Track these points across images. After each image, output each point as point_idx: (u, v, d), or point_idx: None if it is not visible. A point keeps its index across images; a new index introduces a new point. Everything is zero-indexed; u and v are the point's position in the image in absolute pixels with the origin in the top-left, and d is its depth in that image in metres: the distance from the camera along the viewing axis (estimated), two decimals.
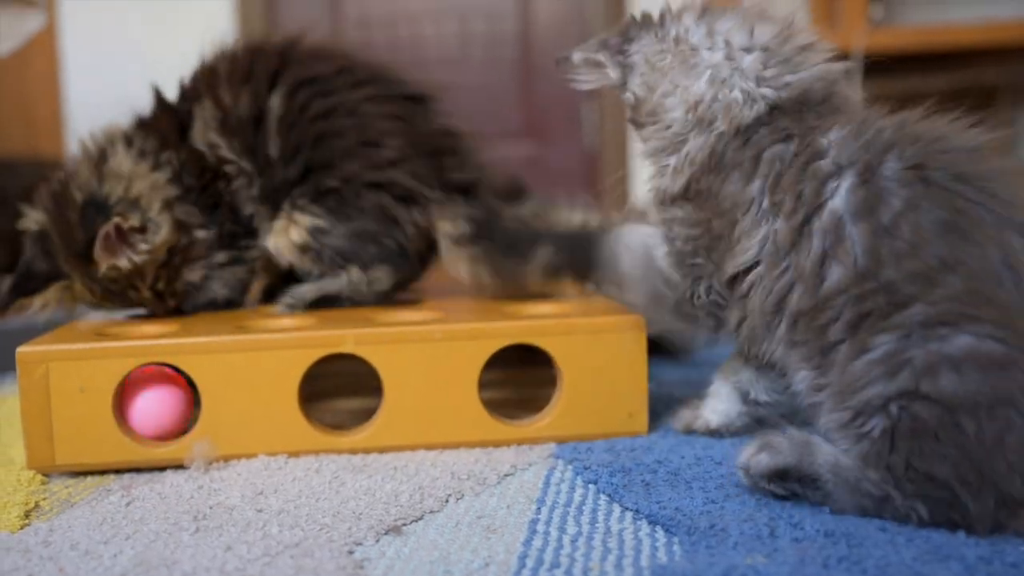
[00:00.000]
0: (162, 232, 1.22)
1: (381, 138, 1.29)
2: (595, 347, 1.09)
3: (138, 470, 1.06)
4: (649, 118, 1.02)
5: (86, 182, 1.24)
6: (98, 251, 1.19)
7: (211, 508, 0.92)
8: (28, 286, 1.24)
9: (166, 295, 1.26)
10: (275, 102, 1.29)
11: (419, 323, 1.12)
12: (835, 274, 0.85)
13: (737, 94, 0.96)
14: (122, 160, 1.26)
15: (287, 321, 1.19)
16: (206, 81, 1.32)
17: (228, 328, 1.12)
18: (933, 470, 0.79)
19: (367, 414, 1.10)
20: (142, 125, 1.33)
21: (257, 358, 1.06)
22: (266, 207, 1.31)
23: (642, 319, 1.09)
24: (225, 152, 1.29)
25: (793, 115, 0.94)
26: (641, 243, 1.06)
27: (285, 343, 1.06)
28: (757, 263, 0.92)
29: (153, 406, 1.07)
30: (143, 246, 1.20)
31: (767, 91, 0.95)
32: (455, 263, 1.34)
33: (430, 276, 1.40)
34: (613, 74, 1.05)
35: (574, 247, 1.18)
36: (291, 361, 1.06)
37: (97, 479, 1.04)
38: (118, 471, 1.06)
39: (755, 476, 0.88)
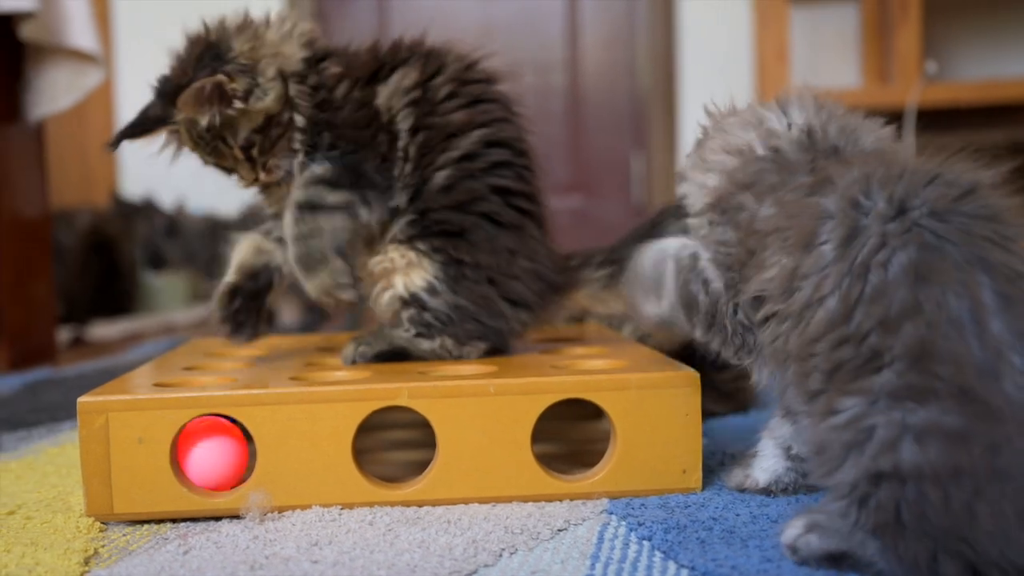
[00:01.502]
0: (266, 100, 1.22)
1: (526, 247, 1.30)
2: (649, 402, 1.09)
3: (194, 519, 1.07)
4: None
5: (224, 31, 1.25)
6: (183, 99, 1.19)
7: (267, 558, 0.93)
8: (139, 129, 1.24)
9: (257, 163, 1.25)
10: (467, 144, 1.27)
11: (473, 377, 1.12)
12: (818, 317, 0.83)
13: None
14: (272, 34, 1.26)
15: (341, 373, 1.20)
16: (424, 54, 1.30)
17: (283, 380, 1.14)
18: (942, 565, 0.76)
19: (420, 467, 1.11)
20: (329, 54, 1.30)
21: (312, 410, 1.07)
22: (405, 201, 1.27)
23: (696, 375, 1.09)
24: (402, 124, 1.26)
25: (822, 155, 0.97)
26: (680, 248, 1.07)
27: (340, 395, 1.07)
28: (770, 294, 0.91)
29: (211, 456, 1.09)
30: (238, 104, 1.20)
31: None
32: (600, 302, 1.38)
33: None
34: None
35: None
36: (346, 413, 1.07)
37: (154, 527, 1.06)
38: (174, 520, 1.07)
39: (805, 557, 0.85)
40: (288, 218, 1.23)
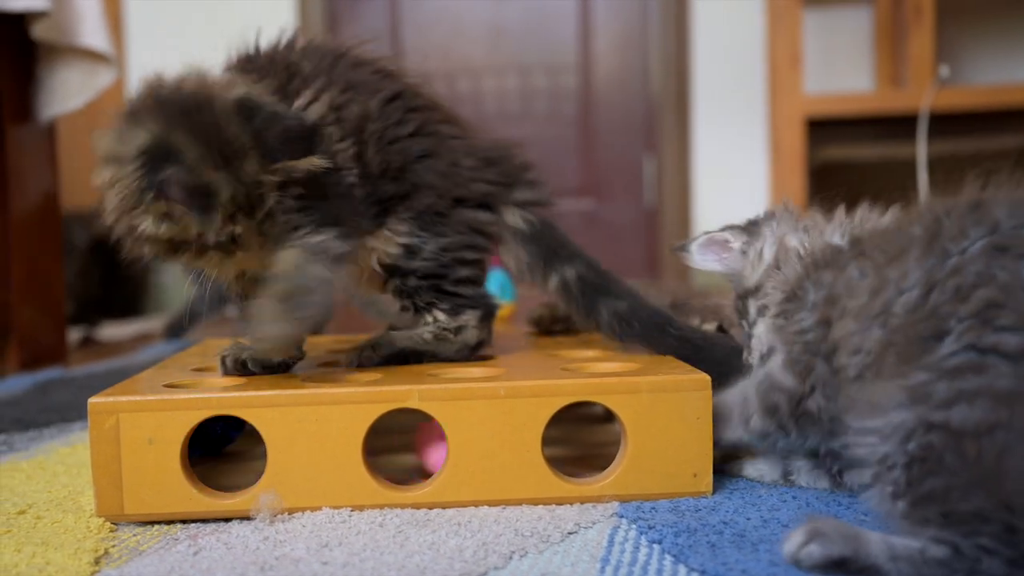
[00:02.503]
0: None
1: (459, 156, 1.30)
2: (660, 406, 1.08)
3: (204, 520, 1.07)
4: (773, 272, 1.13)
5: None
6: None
7: (277, 559, 0.93)
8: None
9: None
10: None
11: (483, 379, 1.12)
12: (901, 302, 0.88)
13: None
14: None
15: (352, 376, 1.20)
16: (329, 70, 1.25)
17: (294, 382, 1.14)
18: (961, 502, 0.79)
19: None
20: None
21: (322, 412, 1.07)
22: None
23: (708, 379, 1.09)
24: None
25: None
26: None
27: (350, 398, 1.07)
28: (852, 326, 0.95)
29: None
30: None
31: None
32: (511, 255, 1.34)
33: None
34: (735, 245, 1.18)
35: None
36: (356, 416, 1.07)
37: (164, 528, 1.06)
38: (185, 521, 1.07)
39: (808, 568, 0.85)
40: (287, 256, 1.12)
